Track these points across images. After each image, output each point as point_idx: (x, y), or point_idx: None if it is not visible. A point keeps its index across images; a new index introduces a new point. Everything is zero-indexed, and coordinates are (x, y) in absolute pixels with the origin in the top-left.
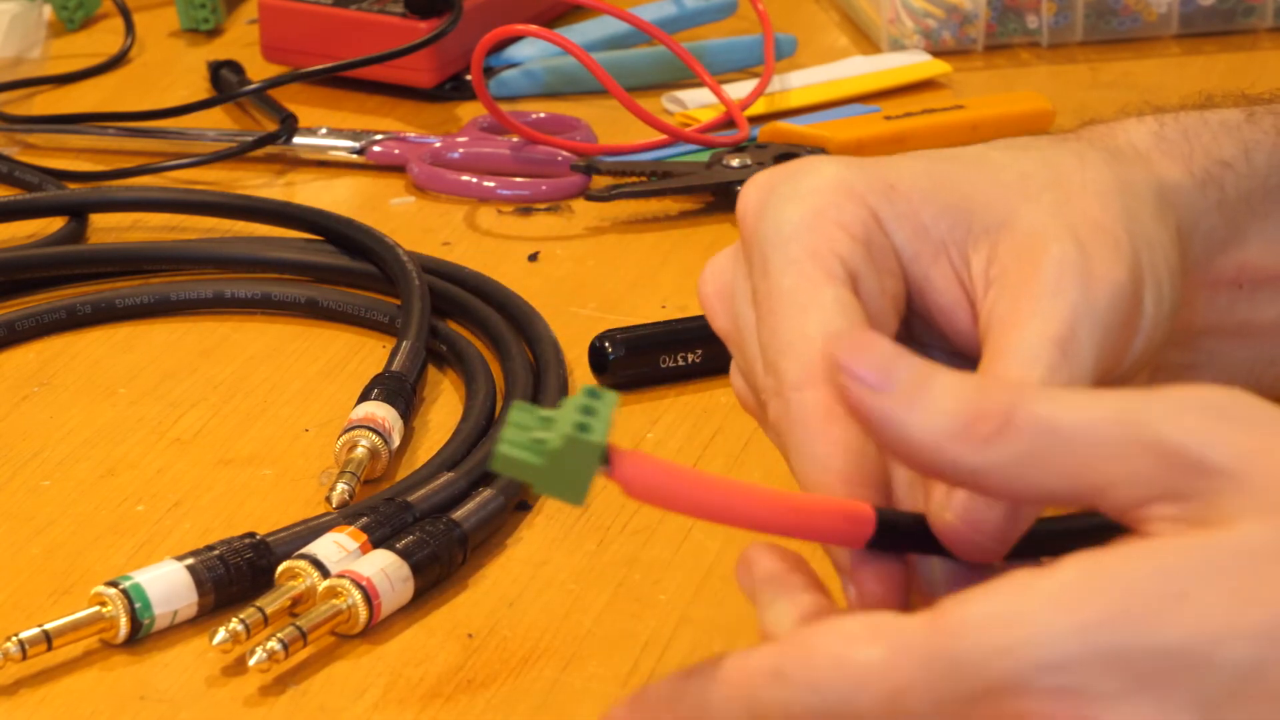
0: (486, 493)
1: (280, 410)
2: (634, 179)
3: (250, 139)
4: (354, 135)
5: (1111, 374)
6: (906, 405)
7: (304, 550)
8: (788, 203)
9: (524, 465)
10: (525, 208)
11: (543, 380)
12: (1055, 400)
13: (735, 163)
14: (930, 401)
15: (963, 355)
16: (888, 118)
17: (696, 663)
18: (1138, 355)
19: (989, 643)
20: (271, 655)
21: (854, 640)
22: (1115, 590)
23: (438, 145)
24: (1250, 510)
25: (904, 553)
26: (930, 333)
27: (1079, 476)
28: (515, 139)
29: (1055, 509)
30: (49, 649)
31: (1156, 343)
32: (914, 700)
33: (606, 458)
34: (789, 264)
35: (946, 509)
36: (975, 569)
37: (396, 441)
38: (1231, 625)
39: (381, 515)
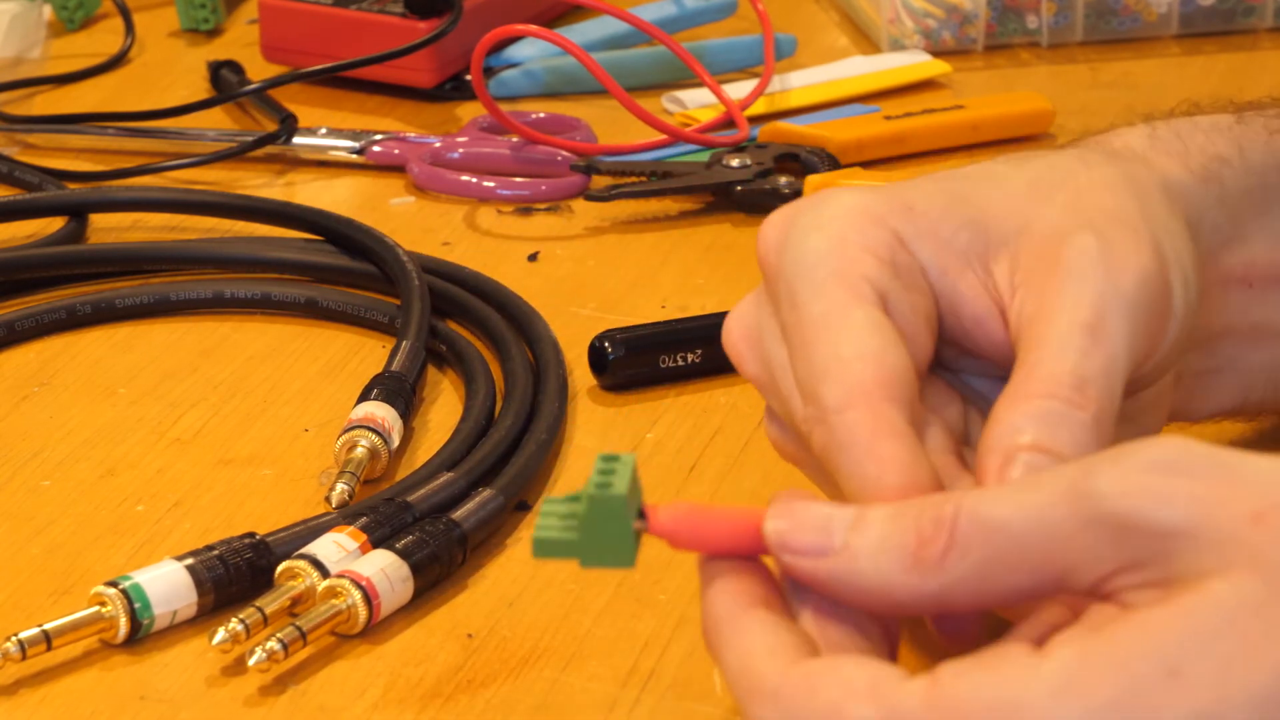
0: (486, 493)
1: (280, 410)
2: (634, 179)
3: (250, 139)
4: (354, 135)
5: (1148, 361)
6: (851, 559)
7: (304, 550)
8: (810, 233)
9: (563, 543)
10: (525, 208)
11: (543, 380)
12: (996, 499)
13: (735, 163)
14: (871, 543)
15: (999, 368)
16: (888, 118)
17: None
18: (1170, 345)
19: None
20: (271, 655)
21: (853, 694)
22: (1112, 676)
23: (438, 145)
24: (1214, 568)
25: None
26: (964, 350)
27: (1039, 569)
28: (515, 139)
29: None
30: (49, 649)
31: (1185, 335)
32: None
33: (643, 514)
34: (817, 291)
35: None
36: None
37: (396, 441)
38: (1227, 698)
39: (381, 515)
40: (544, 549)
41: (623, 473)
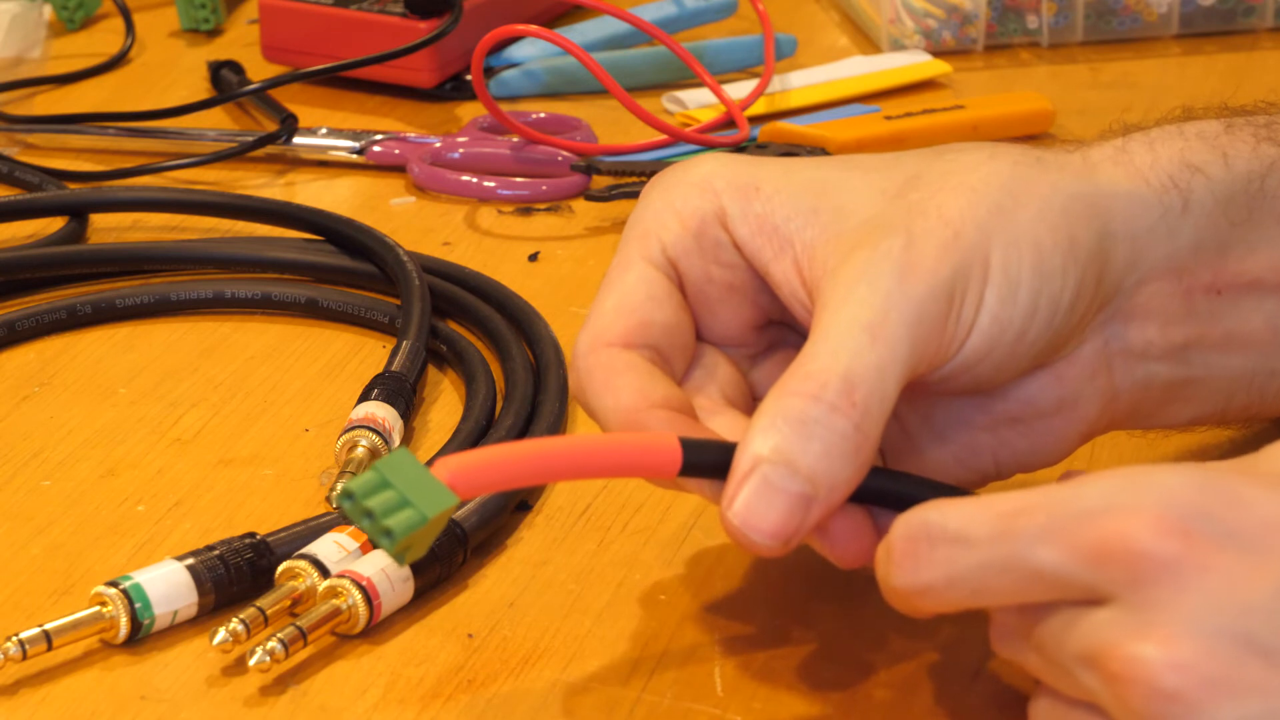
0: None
1: (280, 410)
2: (634, 179)
3: (250, 139)
4: (354, 135)
5: (935, 366)
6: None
7: (304, 550)
8: (654, 193)
9: (413, 550)
10: (525, 208)
11: (543, 380)
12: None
13: None
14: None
15: None
16: (888, 118)
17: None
18: (979, 351)
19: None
20: (272, 655)
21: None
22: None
23: (438, 145)
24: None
25: (715, 476)
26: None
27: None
28: (515, 139)
29: None
30: (49, 649)
31: (1031, 342)
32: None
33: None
34: (621, 247)
35: (729, 507)
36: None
37: (396, 441)
38: None
39: None
40: (402, 557)
41: (397, 480)
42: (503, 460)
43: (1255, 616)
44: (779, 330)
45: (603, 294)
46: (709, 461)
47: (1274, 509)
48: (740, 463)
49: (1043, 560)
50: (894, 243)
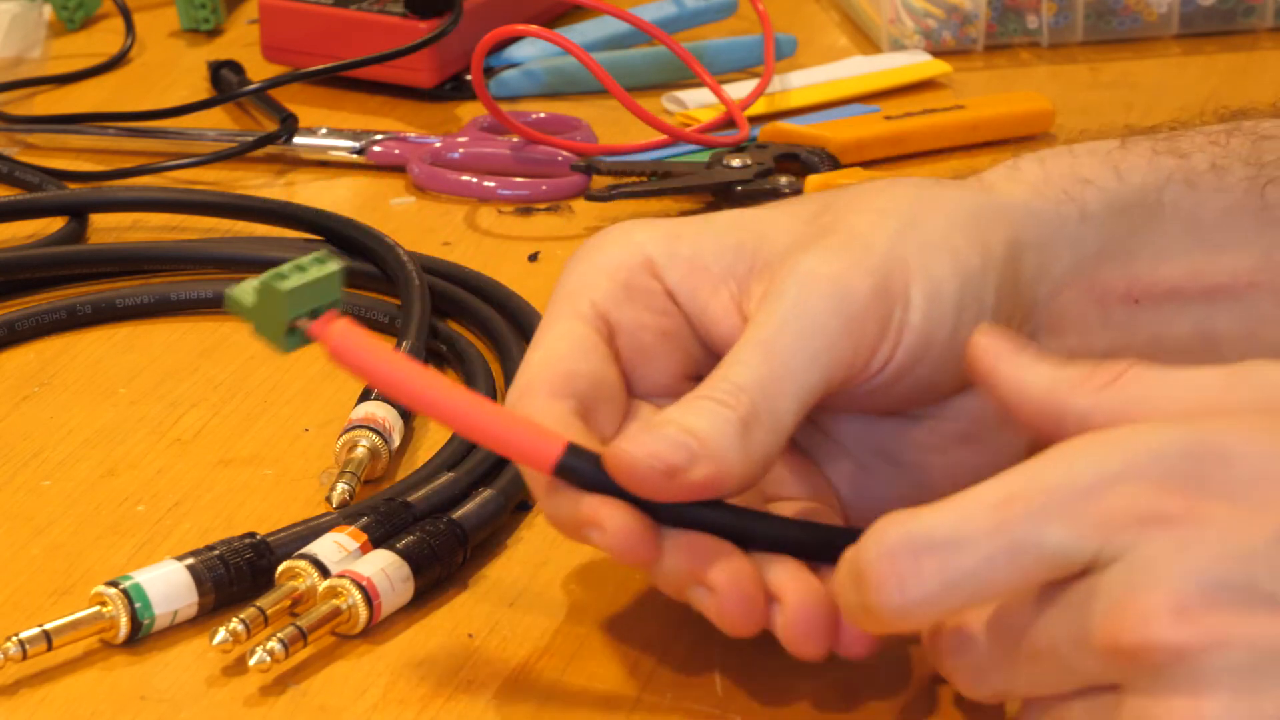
0: (487, 493)
1: (280, 410)
2: (634, 179)
3: (250, 139)
4: (354, 135)
5: (858, 374)
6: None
7: (304, 550)
8: (577, 261)
9: (242, 307)
10: (525, 208)
11: None
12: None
13: (735, 163)
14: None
15: None
16: (888, 118)
17: None
18: (916, 352)
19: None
20: (272, 655)
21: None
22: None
23: (438, 145)
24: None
25: (587, 487)
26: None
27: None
28: (515, 139)
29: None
30: (49, 649)
31: (963, 342)
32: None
33: (315, 315)
34: (550, 307)
35: (615, 446)
36: None
37: (397, 441)
38: None
39: (382, 515)
40: (230, 302)
41: (313, 272)
42: (385, 357)
43: (1255, 563)
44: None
45: (530, 350)
46: (590, 469)
47: (1260, 460)
48: (630, 429)
49: (1051, 540)
50: (797, 261)
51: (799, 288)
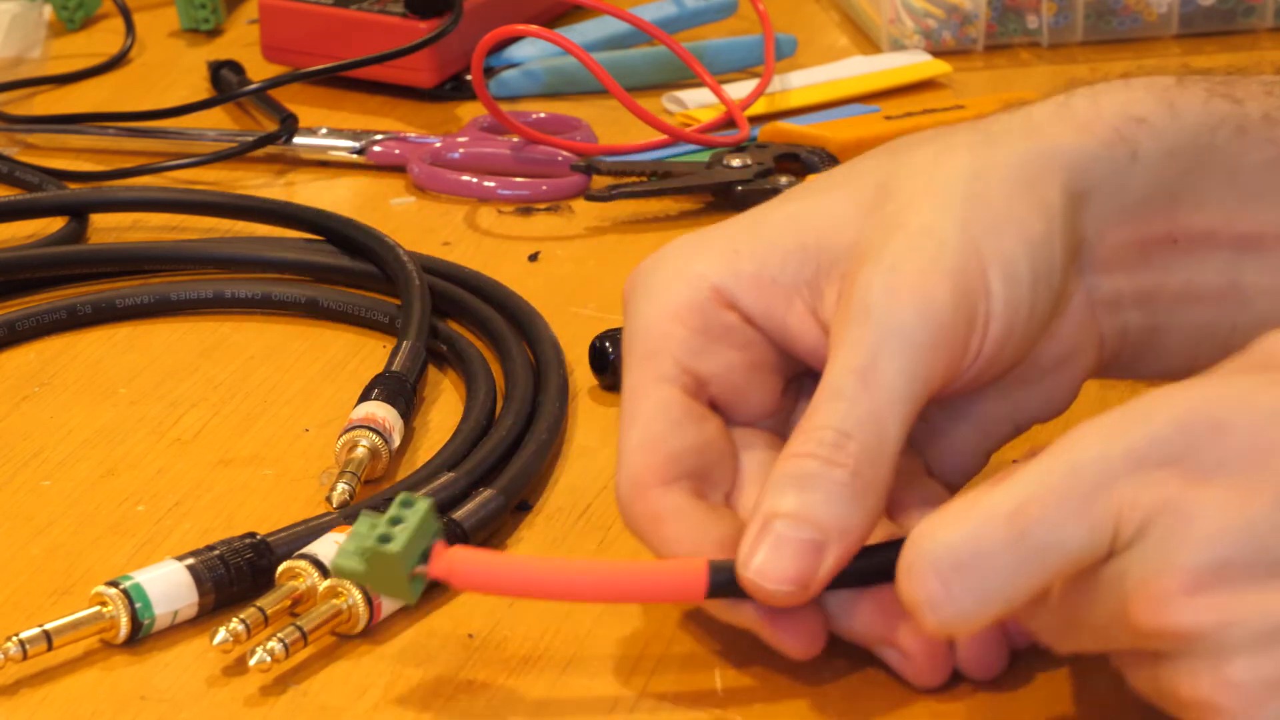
0: (486, 493)
1: (280, 410)
2: (634, 179)
3: (250, 139)
4: (354, 135)
5: (959, 371)
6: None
7: (304, 550)
8: (639, 302)
9: (355, 572)
10: (525, 208)
11: (543, 380)
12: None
13: (736, 163)
14: None
15: None
16: (888, 118)
17: None
18: (1000, 339)
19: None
20: (272, 655)
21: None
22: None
23: (438, 145)
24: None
25: (742, 595)
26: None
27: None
28: (515, 139)
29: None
30: (49, 649)
31: (1041, 314)
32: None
33: (426, 556)
34: (629, 370)
35: (746, 567)
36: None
37: (397, 441)
38: None
39: None
40: (340, 572)
41: (411, 520)
42: (511, 572)
43: (1259, 533)
44: (801, 380)
45: (625, 427)
46: (733, 580)
47: (1253, 427)
48: (751, 527)
49: (1069, 541)
50: (875, 272)
51: (884, 305)
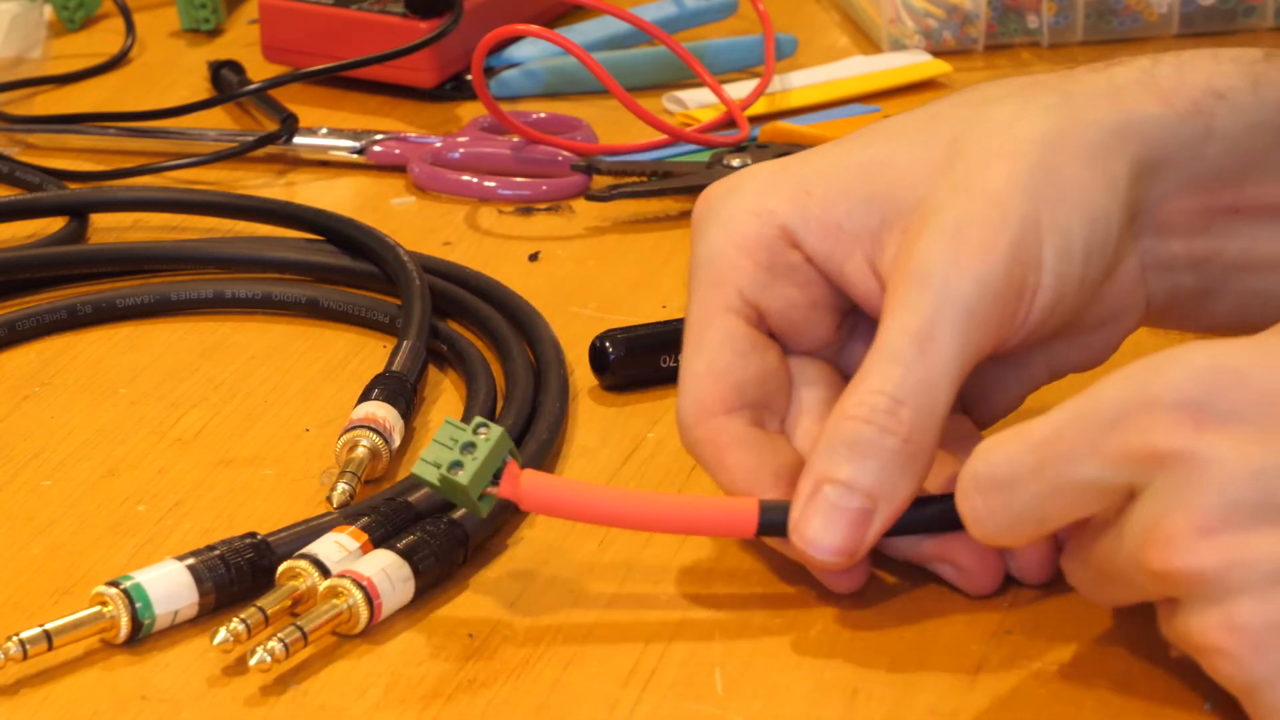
0: None
1: (281, 410)
2: (634, 179)
3: (251, 139)
4: (354, 135)
5: (1006, 340)
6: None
7: (305, 550)
8: (709, 228)
9: (430, 483)
10: (526, 208)
11: (543, 380)
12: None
13: (736, 163)
14: None
15: None
16: (888, 118)
17: None
18: (1047, 310)
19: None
20: (272, 655)
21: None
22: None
23: (438, 145)
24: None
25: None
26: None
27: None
28: (516, 139)
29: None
30: (50, 649)
31: (1091, 284)
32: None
33: (498, 477)
34: (695, 297)
35: (799, 534)
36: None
37: (397, 441)
38: None
39: (382, 515)
40: (418, 479)
41: (483, 448)
42: (577, 495)
43: (1270, 479)
44: (855, 315)
45: (689, 353)
46: (785, 521)
47: (1271, 379)
48: (804, 486)
49: (1083, 476)
50: (941, 235)
51: (945, 273)
